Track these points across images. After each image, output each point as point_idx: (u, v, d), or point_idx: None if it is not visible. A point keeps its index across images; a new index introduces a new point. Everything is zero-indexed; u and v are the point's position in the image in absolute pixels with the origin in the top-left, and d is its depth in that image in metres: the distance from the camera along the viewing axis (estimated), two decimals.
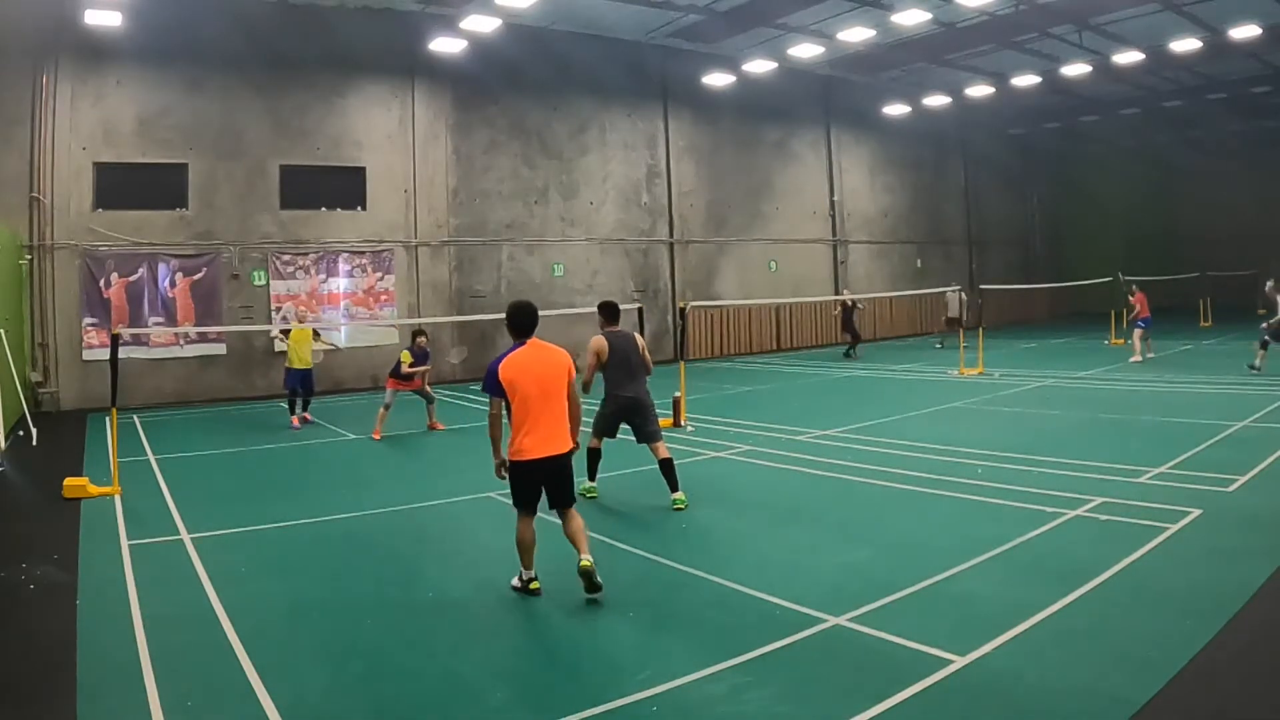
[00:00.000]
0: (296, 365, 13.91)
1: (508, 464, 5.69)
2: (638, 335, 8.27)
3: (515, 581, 5.73)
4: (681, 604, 5.47)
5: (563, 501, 5.73)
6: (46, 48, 16.51)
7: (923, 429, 11.40)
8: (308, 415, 14.40)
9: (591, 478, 8.29)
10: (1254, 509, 6.92)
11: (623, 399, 8.01)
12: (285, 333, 14.20)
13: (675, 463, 8.01)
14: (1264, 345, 15.26)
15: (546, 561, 5.99)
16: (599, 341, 8.02)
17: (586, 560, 5.50)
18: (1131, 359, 17.92)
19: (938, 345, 23.45)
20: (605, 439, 8.37)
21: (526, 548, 5.70)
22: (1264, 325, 15.52)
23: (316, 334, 14.43)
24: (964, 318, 22.75)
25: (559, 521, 5.80)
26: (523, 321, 5.84)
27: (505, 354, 5.74)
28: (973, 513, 7.29)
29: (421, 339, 13.04)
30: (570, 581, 5.94)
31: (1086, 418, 11.82)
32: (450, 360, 14.00)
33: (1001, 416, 12.46)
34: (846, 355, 22.94)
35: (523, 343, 5.78)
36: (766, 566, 6.06)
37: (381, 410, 12.72)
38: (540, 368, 5.66)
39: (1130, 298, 18.80)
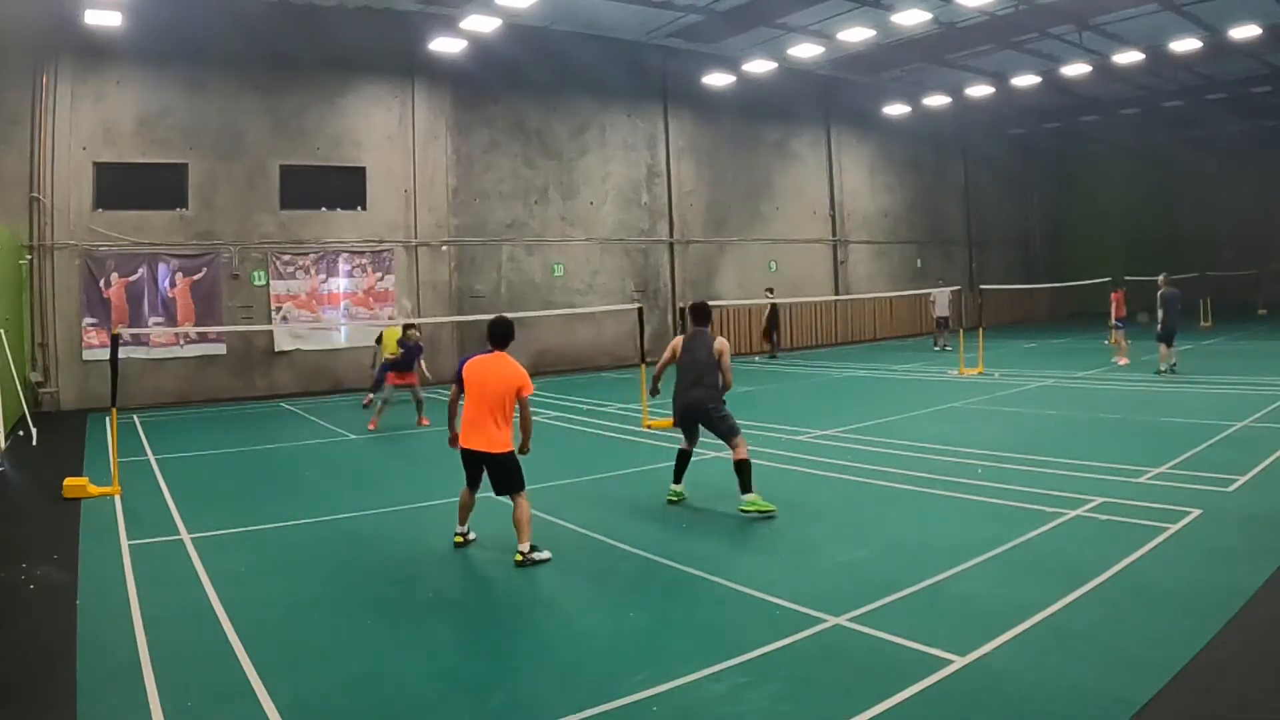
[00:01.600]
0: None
1: (457, 439, 6.72)
2: (721, 339, 8.15)
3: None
4: (681, 604, 5.47)
5: (500, 490, 6.58)
6: (46, 48, 16.51)
7: (923, 429, 11.40)
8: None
9: (676, 480, 8.15)
10: (1254, 509, 6.92)
11: (680, 401, 7.99)
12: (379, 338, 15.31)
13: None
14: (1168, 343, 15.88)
15: (551, 574, 6.18)
16: (675, 341, 8.21)
17: (520, 554, 6.32)
18: (1117, 359, 17.98)
19: (936, 348, 23.14)
20: (690, 442, 8.19)
21: (462, 509, 6.89)
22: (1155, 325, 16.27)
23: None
24: (961, 317, 22.68)
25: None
26: (499, 334, 6.72)
27: (474, 354, 6.73)
28: (973, 513, 7.28)
29: (413, 331, 13.23)
30: (569, 583, 5.95)
31: (1086, 418, 11.82)
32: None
33: (1001, 416, 12.46)
34: (774, 357, 23.02)
35: (490, 351, 6.66)
36: (766, 566, 6.06)
37: (380, 404, 13.04)
38: (493, 376, 6.50)
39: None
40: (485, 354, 6.63)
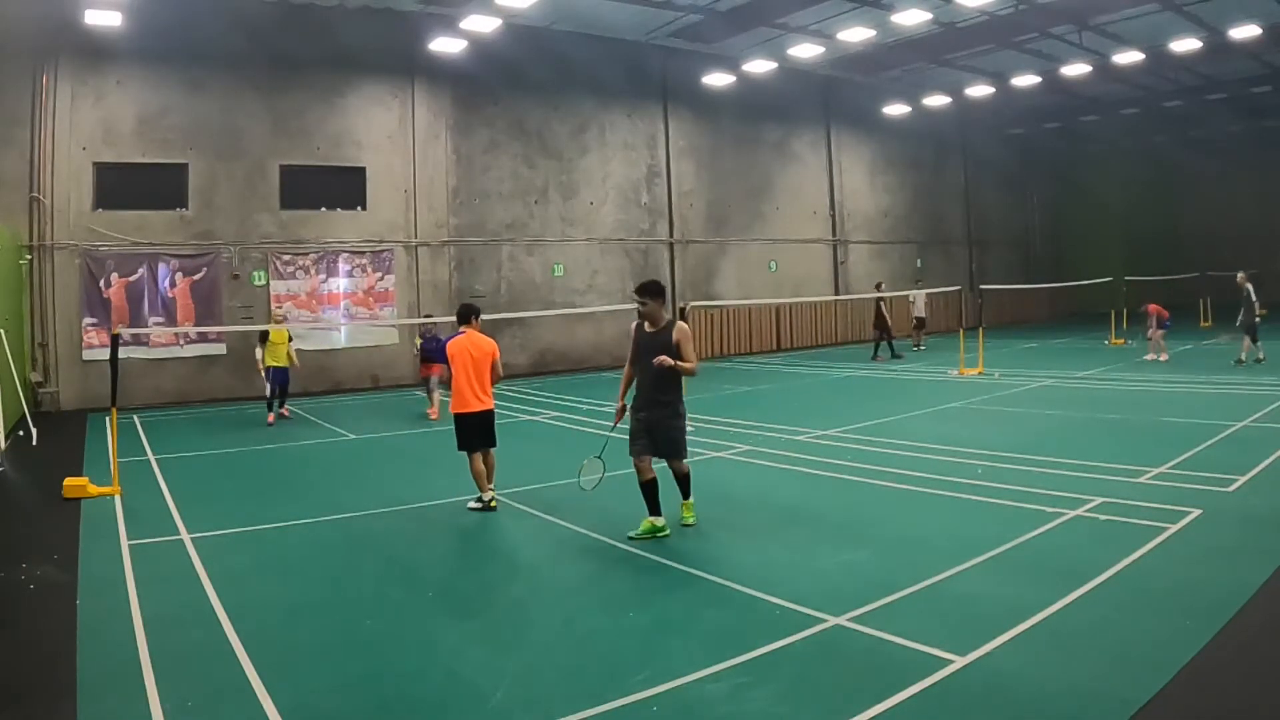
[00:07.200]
0: (271, 363, 13.94)
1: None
2: (681, 323, 6.78)
3: (473, 503, 7.90)
4: (681, 604, 5.47)
5: (485, 444, 7.96)
6: (46, 48, 16.50)
7: (923, 429, 11.39)
8: (285, 411, 14.65)
9: (653, 512, 6.80)
10: (1254, 509, 6.92)
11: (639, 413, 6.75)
12: (264, 337, 14.03)
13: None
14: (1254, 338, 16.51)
15: (551, 574, 6.06)
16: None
17: (489, 495, 7.86)
18: (1147, 356, 18.20)
19: (916, 349, 23.27)
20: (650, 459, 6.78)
21: (478, 476, 7.90)
22: (1240, 321, 16.85)
23: (291, 336, 14.36)
24: (962, 317, 22.66)
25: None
26: (467, 314, 8.20)
27: (451, 336, 8.27)
28: (973, 513, 7.29)
29: (428, 320, 13.95)
30: (569, 584, 5.95)
31: (1086, 418, 11.82)
32: None
33: (1001, 416, 12.45)
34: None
35: (462, 331, 8.10)
36: (766, 566, 6.05)
37: (433, 395, 13.91)
38: (472, 349, 7.95)
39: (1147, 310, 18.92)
40: (460, 334, 8.03)
